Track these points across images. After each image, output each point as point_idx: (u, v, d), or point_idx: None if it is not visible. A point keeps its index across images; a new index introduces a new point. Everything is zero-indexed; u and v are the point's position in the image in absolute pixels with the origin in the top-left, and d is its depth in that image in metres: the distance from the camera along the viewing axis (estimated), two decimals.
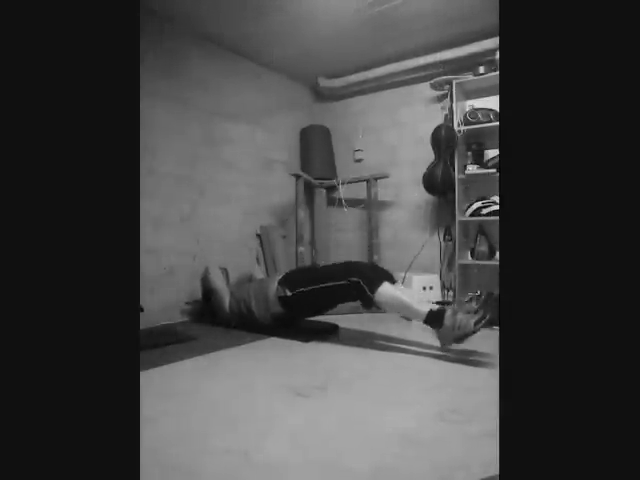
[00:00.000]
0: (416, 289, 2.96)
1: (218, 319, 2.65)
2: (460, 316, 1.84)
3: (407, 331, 2.50)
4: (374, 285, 2.02)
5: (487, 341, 2.15)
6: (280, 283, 2.37)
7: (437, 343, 1.96)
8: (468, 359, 1.85)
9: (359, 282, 2.05)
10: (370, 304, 2.07)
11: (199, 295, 2.86)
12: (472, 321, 1.80)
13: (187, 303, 2.92)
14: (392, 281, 2.09)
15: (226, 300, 2.61)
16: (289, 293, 2.30)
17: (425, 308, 1.95)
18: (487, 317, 1.81)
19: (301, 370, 1.76)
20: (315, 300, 2.30)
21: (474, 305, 1.88)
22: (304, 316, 2.55)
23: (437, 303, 2.90)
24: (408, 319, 2.81)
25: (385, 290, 2.01)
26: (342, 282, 2.10)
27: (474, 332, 1.81)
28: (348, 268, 2.15)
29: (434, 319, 1.91)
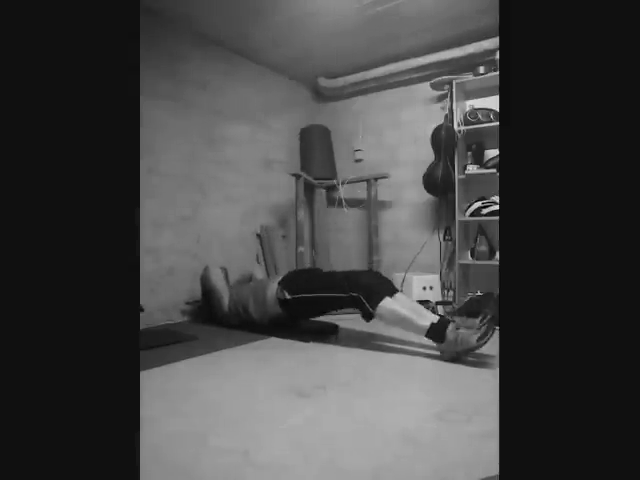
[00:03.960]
0: (416, 289, 2.96)
1: (217, 319, 2.65)
2: (462, 331, 1.82)
3: (407, 331, 2.50)
4: (374, 301, 2.00)
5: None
6: (280, 284, 2.37)
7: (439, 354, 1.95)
8: (468, 359, 1.85)
9: (359, 297, 2.04)
10: (370, 318, 2.06)
11: (199, 295, 2.87)
12: (475, 337, 1.78)
13: (187, 303, 2.92)
14: (393, 292, 2.07)
15: (225, 300, 2.61)
16: (289, 296, 2.29)
17: (426, 322, 1.91)
18: (490, 334, 1.78)
19: (301, 370, 1.76)
20: (315, 306, 2.31)
21: (477, 321, 1.86)
22: (302, 318, 2.55)
23: (437, 303, 2.92)
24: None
25: (385, 305, 1.99)
26: (342, 295, 2.10)
27: (476, 348, 1.79)
28: (349, 281, 2.12)
29: (435, 334, 1.88)
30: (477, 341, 1.76)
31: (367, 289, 2.06)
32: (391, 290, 2.08)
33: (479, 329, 1.80)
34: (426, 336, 1.90)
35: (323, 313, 2.47)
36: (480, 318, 1.85)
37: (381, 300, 2.00)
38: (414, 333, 1.98)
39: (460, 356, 1.83)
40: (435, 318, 1.93)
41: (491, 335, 1.78)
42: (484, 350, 1.96)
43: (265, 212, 3.62)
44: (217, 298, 2.63)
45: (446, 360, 1.86)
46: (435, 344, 1.91)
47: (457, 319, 2.03)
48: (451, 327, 1.86)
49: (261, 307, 2.42)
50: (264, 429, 1.20)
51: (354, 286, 2.08)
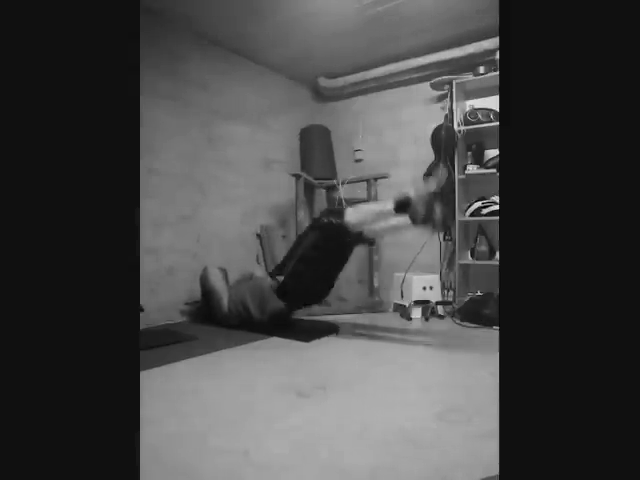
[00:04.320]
0: (416, 289, 2.96)
1: (217, 319, 2.65)
2: (418, 185, 2.10)
3: (407, 331, 2.50)
4: (340, 214, 2.21)
5: (487, 341, 2.16)
6: (272, 275, 2.44)
7: (432, 339, 1.96)
8: (468, 359, 1.85)
9: (330, 222, 2.23)
10: (349, 233, 2.17)
11: (199, 295, 2.86)
12: (432, 182, 2.03)
13: (187, 304, 2.92)
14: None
15: (224, 300, 2.61)
16: (280, 278, 2.36)
17: (390, 202, 2.12)
18: (445, 174, 2.10)
19: (301, 370, 1.76)
20: (306, 270, 2.32)
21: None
22: (301, 301, 2.50)
23: (437, 303, 2.92)
24: (409, 318, 2.82)
25: (350, 212, 2.20)
26: (316, 234, 2.26)
27: (438, 186, 2.02)
28: (313, 222, 2.35)
29: (401, 204, 2.07)
30: (437, 185, 2.02)
31: (329, 212, 2.29)
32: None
33: (436, 175, 2.11)
34: (395, 210, 2.10)
35: (317, 273, 2.35)
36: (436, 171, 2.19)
37: (344, 212, 2.21)
38: (385, 218, 2.17)
39: (431, 210, 2.02)
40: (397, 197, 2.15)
41: (445, 176, 2.11)
42: (483, 349, 1.96)
43: (265, 212, 3.62)
44: (216, 299, 2.63)
45: (420, 224, 2.06)
46: (408, 218, 2.08)
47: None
48: (411, 192, 2.08)
49: (260, 303, 2.43)
50: (264, 429, 1.20)
51: (319, 219, 2.31)
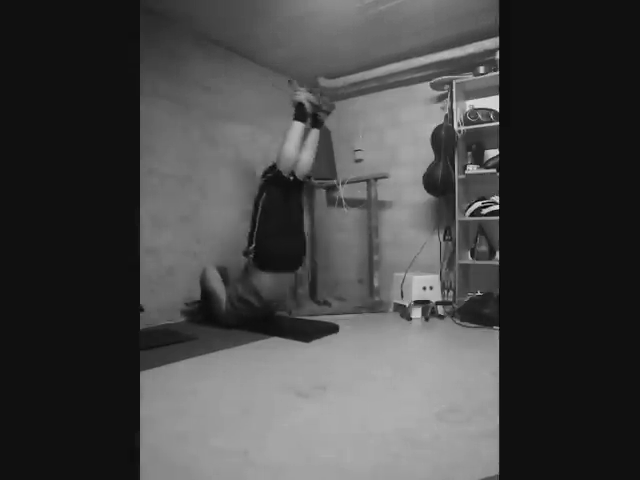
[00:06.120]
0: (416, 289, 2.96)
1: (217, 320, 2.65)
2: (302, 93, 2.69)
3: (407, 331, 2.50)
4: (272, 168, 2.63)
5: (487, 341, 2.16)
6: (245, 253, 2.60)
7: (434, 340, 1.96)
8: (468, 359, 1.85)
9: (263, 173, 2.68)
10: (286, 175, 2.56)
11: (199, 295, 2.86)
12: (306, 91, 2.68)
13: (187, 304, 2.92)
14: None
15: (223, 301, 2.61)
16: (251, 245, 2.54)
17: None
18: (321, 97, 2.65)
19: (301, 370, 1.76)
20: (268, 228, 2.53)
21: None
22: (284, 257, 2.62)
23: (437, 303, 2.92)
24: (409, 318, 2.82)
25: (277, 157, 2.62)
26: (262, 192, 2.59)
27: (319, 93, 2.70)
28: (258, 188, 2.68)
29: (299, 111, 2.64)
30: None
31: (264, 173, 2.69)
32: None
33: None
34: (297, 118, 2.62)
35: (278, 226, 2.59)
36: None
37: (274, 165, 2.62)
38: (299, 137, 2.60)
39: (320, 107, 2.67)
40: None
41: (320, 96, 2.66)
42: (483, 349, 1.96)
43: None
44: (215, 299, 2.64)
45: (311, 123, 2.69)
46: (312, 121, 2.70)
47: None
48: (297, 97, 2.65)
49: (250, 285, 2.50)
50: (264, 429, 1.20)
51: (262, 177, 2.69)
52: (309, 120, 2.68)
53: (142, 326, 2.55)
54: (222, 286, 2.69)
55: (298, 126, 2.60)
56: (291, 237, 2.65)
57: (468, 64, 3.14)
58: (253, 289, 2.49)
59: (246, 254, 2.57)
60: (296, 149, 2.59)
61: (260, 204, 2.56)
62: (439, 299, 3.01)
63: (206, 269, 2.77)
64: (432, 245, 3.50)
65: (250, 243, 2.56)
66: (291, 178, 2.58)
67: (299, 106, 2.63)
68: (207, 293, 2.69)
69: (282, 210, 2.58)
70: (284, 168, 2.56)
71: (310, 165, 2.69)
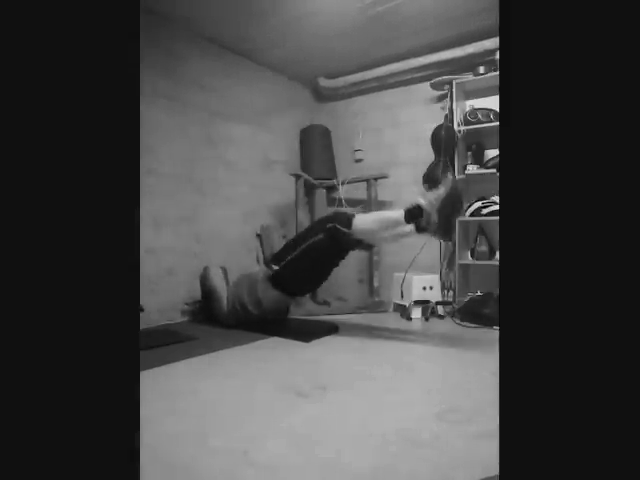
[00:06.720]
0: (416, 289, 2.96)
1: (217, 319, 2.65)
2: (429, 194, 2.02)
3: (407, 331, 2.50)
4: (348, 222, 2.16)
5: (487, 341, 2.16)
6: (267, 264, 2.45)
7: (435, 341, 1.97)
8: (468, 359, 1.85)
9: (334, 226, 2.18)
10: (352, 241, 2.16)
11: (199, 295, 2.87)
12: (441, 190, 1.96)
13: (187, 304, 2.92)
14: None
15: (224, 300, 2.61)
16: (275, 267, 2.37)
17: (400, 211, 2.06)
18: (452, 181, 2.03)
19: (301, 370, 1.76)
20: (302, 266, 2.35)
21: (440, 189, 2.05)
22: (297, 291, 2.55)
23: (437, 303, 2.92)
24: (409, 318, 2.82)
25: (359, 218, 2.16)
26: (320, 235, 2.23)
27: (448, 192, 1.97)
28: (319, 221, 2.31)
29: (412, 213, 2.03)
30: (445, 189, 1.96)
31: (338, 216, 2.23)
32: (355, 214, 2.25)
33: (445, 181, 2.03)
34: (406, 220, 2.05)
35: (313, 272, 2.42)
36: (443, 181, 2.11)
37: (353, 219, 2.17)
38: (394, 226, 2.11)
39: (446, 216, 2.00)
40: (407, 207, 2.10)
41: (453, 184, 2.02)
42: (483, 349, 1.96)
43: (265, 212, 3.62)
44: (216, 298, 2.63)
45: (431, 234, 2.05)
46: (420, 227, 2.04)
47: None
48: (420, 200, 2.04)
49: (255, 296, 2.45)
50: (264, 429, 1.20)
51: (326, 221, 2.26)
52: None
53: (142, 326, 2.56)
54: (224, 284, 2.69)
55: (402, 221, 2.08)
56: (313, 284, 2.57)
57: (468, 64, 3.14)
58: (257, 300, 2.45)
59: (266, 265, 2.47)
60: (381, 232, 2.20)
61: (309, 241, 2.28)
62: (439, 299, 3.01)
63: (208, 267, 2.77)
64: (432, 245, 3.49)
65: (276, 263, 2.42)
66: (345, 234, 2.18)
67: (417, 209, 2.04)
68: (209, 291, 2.69)
69: (321, 260, 2.38)
70: (353, 231, 2.15)
71: (382, 243, 2.41)
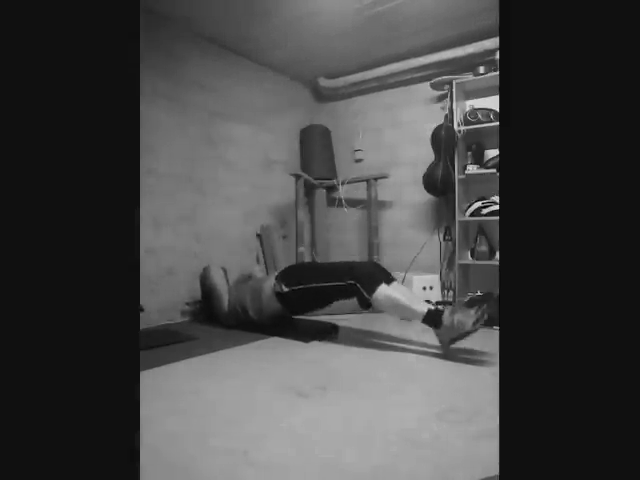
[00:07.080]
0: (416, 289, 2.96)
1: (218, 319, 2.65)
2: (458, 316, 1.85)
3: (408, 331, 2.50)
4: (371, 288, 2.02)
5: (487, 341, 2.15)
6: (277, 278, 2.38)
7: (437, 342, 1.97)
8: (468, 359, 1.85)
9: (356, 284, 2.06)
10: (367, 306, 2.09)
11: (199, 295, 2.87)
12: (470, 320, 1.81)
13: (187, 304, 2.92)
14: (390, 281, 2.08)
15: (225, 299, 2.61)
16: (285, 289, 2.31)
17: (423, 308, 1.94)
18: (485, 316, 1.82)
19: (301, 370, 1.76)
20: (311, 298, 2.31)
21: (472, 311, 1.87)
22: (300, 312, 2.55)
23: (437, 303, 2.91)
24: (408, 319, 2.82)
25: (382, 292, 2.00)
26: (339, 283, 2.12)
27: (472, 331, 1.83)
28: (346, 269, 2.15)
29: (432, 319, 1.91)
30: (472, 325, 1.80)
31: (364, 277, 2.07)
32: (388, 278, 2.09)
33: (475, 313, 1.83)
34: (423, 321, 1.93)
35: (320, 305, 2.45)
36: (475, 308, 1.87)
37: (378, 287, 2.01)
38: (411, 319, 2.03)
39: (457, 340, 1.88)
40: (432, 307, 1.96)
41: (485, 319, 1.84)
42: (484, 350, 1.96)
43: (265, 212, 3.62)
44: (217, 297, 2.63)
45: (445, 347, 1.91)
46: (433, 330, 1.95)
47: (454, 305, 2.07)
48: (447, 312, 1.89)
49: (258, 304, 2.42)
50: (264, 429, 1.20)
51: (351, 274, 2.10)
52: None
53: (142, 326, 2.56)
54: (225, 283, 2.69)
55: (419, 318, 1.96)
56: (314, 310, 2.56)
57: (468, 64, 3.14)
58: (259, 308, 2.44)
59: (278, 281, 2.37)
60: (394, 313, 2.21)
61: (327, 283, 2.18)
62: (439, 299, 3.01)
63: (209, 266, 2.77)
64: (432, 245, 3.50)
65: (286, 281, 2.33)
66: (363, 297, 2.07)
67: (438, 318, 1.92)
68: (209, 290, 2.68)
69: (330, 299, 2.35)
70: (372, 300, 2.04)
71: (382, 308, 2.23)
